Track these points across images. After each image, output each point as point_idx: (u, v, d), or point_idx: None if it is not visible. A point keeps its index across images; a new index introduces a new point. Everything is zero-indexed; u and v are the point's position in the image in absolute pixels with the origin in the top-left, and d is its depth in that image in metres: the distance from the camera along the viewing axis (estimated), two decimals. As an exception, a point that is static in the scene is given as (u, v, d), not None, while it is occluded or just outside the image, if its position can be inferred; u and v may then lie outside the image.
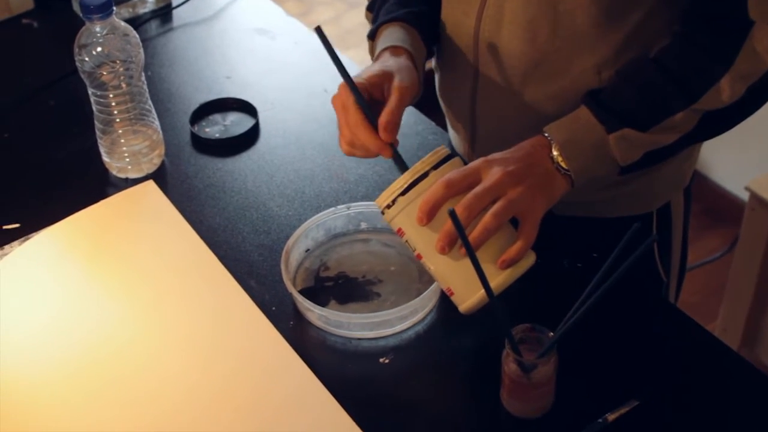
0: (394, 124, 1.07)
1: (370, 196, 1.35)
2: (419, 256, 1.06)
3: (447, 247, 1.03)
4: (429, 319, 1.19)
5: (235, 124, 1.51)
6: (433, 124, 1.50)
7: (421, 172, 1.05)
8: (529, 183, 1.03)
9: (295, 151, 1.46)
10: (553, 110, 1.15)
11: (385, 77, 1.10)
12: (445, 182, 1.01)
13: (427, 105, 1.37)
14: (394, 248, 1.26)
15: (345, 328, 1.17)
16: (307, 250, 1.27)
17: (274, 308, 1.20)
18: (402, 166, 1.08)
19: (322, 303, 1.19)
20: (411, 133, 1.47)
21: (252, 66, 1.65)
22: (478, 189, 1.02)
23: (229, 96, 1.56)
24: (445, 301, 1.15)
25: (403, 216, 1.05)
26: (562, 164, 1.07)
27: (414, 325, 1.18)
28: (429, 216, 1.03)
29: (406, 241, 1.06)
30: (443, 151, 1.07)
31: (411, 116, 1.50)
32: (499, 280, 1.03)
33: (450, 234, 1.01)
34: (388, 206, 1.05)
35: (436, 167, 1.05)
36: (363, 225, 1.30)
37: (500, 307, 0.99)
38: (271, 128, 1.51)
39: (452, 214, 0.96)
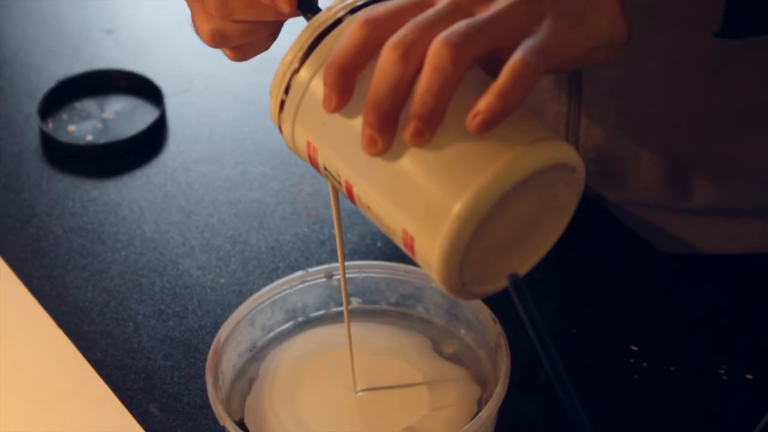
0: None
1: (367, 248, 1.19)
2: (349, 190, 0.77)
3: (379, 135, 0.73)
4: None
5: (122, 117, 1.31)
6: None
7: (330, 21, 0.79)
8: None
9: (231, 166, 1.26)
10: None
11: None
12: (364, 20, 0.76)
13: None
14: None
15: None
16: (252, 349, 1.07)
17: (194, 456, 0.99)
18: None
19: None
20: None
21: (152, 14, 1.47)
22: (422, 16, 0.78)
23: (112, 66, 1.34)
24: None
25: (305, 114, 0.78)
26: None
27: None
28: (340, 88, 0.76)
29: (325, 168, 0.77)
30: None
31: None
32: (488, 173, 0.71)
33: (380, 105, 0.73)
34: (282, 104, 0.78)
35: (357, 9, 0.80)
36: (356, 302, 1.08)
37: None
38: (187, 126, 1.30)
39: (513, 280, 0.71)
